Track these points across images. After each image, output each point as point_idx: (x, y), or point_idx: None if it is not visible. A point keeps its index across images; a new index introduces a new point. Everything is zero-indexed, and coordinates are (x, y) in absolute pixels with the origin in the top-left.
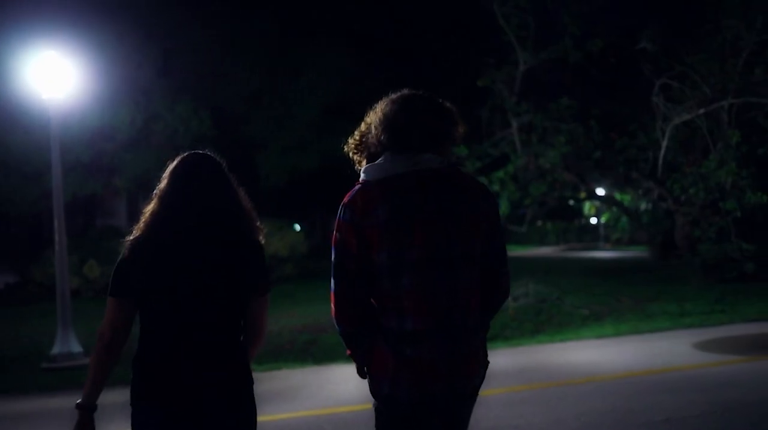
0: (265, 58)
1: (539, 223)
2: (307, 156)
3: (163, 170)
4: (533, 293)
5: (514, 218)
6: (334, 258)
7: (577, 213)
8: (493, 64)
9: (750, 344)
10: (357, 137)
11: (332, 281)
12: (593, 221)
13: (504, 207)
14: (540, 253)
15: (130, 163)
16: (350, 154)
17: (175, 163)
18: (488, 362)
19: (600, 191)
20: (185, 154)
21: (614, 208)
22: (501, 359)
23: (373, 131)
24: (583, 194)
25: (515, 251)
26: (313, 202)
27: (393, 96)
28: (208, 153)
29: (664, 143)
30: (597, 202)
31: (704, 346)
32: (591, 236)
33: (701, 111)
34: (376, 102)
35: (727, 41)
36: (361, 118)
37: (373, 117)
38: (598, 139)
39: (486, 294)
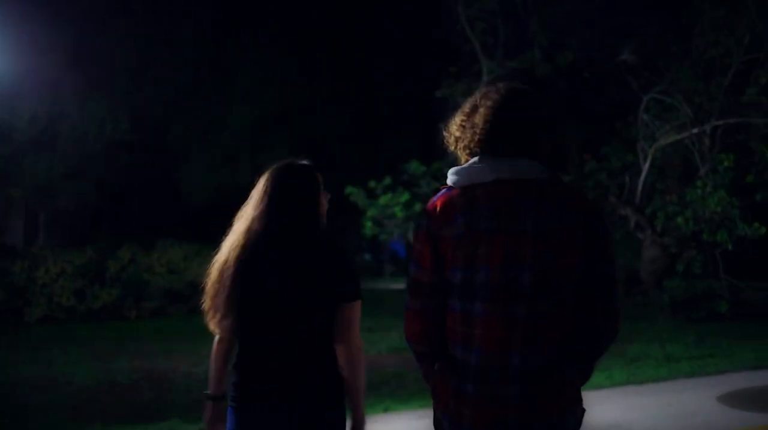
0: (196, 56)
1: None
2: (238, 170)
3: (257, 181)
4: None
5: None
6: (410, 271)
7: None
8: (455, 74)
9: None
10: (457, 125)
11: (406, 295)
12: None
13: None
14: None
15: (30, 169)
16: (451, 148)
17: (274, 175)
18: (582, 411)
19: None
20: (283, 165)
21: None
22: None
23: (468, 125)
24: None
25: None
26: None
27: (499, 85)
28: (306, 164)
29: (646, 166)
30: None
31: (730, 401)
32: None
33: (694, 131)
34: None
35: (714, 59)
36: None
37: (471, 105)
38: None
39: (580, 333)
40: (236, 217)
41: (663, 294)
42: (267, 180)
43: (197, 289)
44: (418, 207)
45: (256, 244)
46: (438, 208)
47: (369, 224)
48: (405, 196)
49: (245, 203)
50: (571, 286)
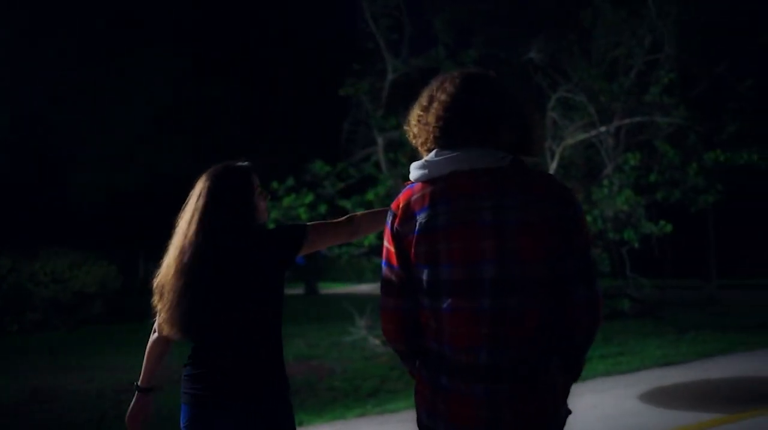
0: (84, 49)
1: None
2: (129, 172)
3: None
4: None
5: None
6: (382, 270)
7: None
8: (359, 71)
9: (701, 394)
10: (415, 121)
11: (381, 294)
12: None
13: (372, 238)
14: (360, 290)
15: None
16: (412, 143)
17: (209, 178)
18: (566, 412)
19: None
20: (219, 167)
21: None
22: None
23: (424, 121)
24: None
25: (335, 289)
26: (136, 228)
27: (455, 74)
28: (242, 165)
29: (554, 165)
30: None
31: (652, 399)
32: None
33: (602, 129)
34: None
35: (617, 59)
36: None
37: (428, 97)
38: None
39: (559, 329)
40: (178, 217)
41: None
42: (203, 182)
43: (85, 299)
44: (323, 208)
45: (196, 246)
46: (400, 206)
47: (272, 226)
48: (309, 198)
49: (184, 205)
50: (542, 279)
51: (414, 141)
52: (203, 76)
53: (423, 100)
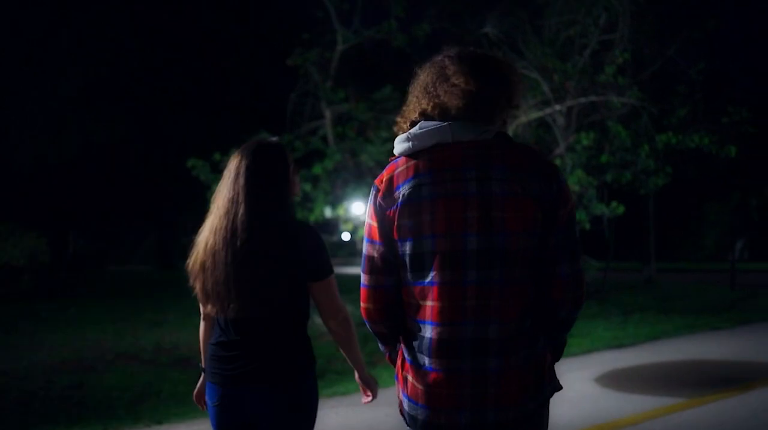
0: (15, 16)
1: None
2: (63, 141)
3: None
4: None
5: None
6: (363, 247)
7: (332, 228)
8: (308, 41)
9: (657, 378)
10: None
11: (361, 273)
12: (345, 236)
13: (318, 211)
14: None
15: None
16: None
17: (246, 155)
18: (552, 388)
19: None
20: (254, 144)
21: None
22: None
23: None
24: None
25: None
26: (66, 201)
27: (461, 53)
28: (275, 142)
29: None
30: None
31: (608, 382)
32: (345, 252)
33: (557, 108)
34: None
35: (573, 38)
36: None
37: (427, 80)
38: None
39: (544, 306)
40: (212, 198)
41: None
42: (240, 160)
43: (12, 273)
44: None
45: (234, 227)
46: (384, 180)
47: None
48: None
49: (219, 184)
50: (526, 252)
51: (401, 121)
52: (142, 44)
53: (424, 80)
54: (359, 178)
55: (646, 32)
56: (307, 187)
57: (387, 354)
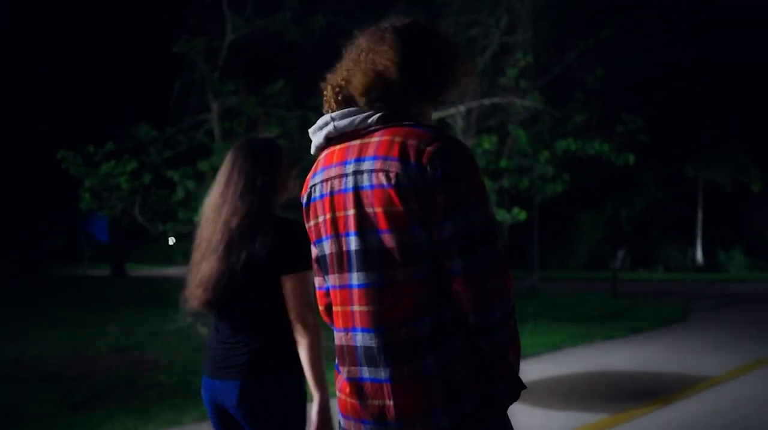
0: None
1: (172, 241)
2: None
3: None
4: None
5: None
6: None
7: None
8: (195, 28)
9: (569, 391)
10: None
11: None
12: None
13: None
14: (171, 273)
15: None
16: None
17: (245, 152)
18: (484, 400)
19: None
20: (250, 141)
21: None
22: None
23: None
24: None
25: (144, 271)
26: None
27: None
28: (271, 138)
29: None
30: None
31: (525, 398)
32: None
33: (461, 108)
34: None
35: (475, 39)
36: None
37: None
38: None
39: (457, 308)
40: (208, 194)
41: None
42: (230, 158)
43: None
44: (147, 178)
45: (222, 221)
46: (307, 179)
47: (87, 196)
48: (132, 165)
49: (214, 181)
50: (411, 252)
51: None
52: (17, 27)
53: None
54: None
55: (546, 38)
56: (190, 184)
57: None
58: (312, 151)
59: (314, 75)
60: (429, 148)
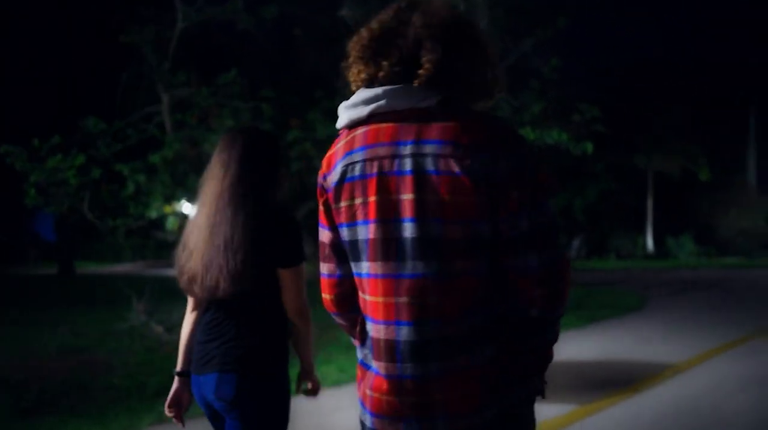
0: None
1: (123, 237)
2: None
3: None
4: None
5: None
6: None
7: (158, 227)
8: (145, 17)
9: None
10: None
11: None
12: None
13: (155, 206)
14: (120, 270)
15: None
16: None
17: (242, 139)
18: (527, 393)
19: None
20: (248, 129)
21: None
22: None
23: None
24: (168, 209)
25: (92, 269)
26: None
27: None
28: (267, 131)
29: None
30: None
31: None
32: (171, 253)
33: None
34: None
35: None
36: None
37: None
38: (268, 127)
39: (510, 301)
40: (203, 178)
41: None
42: (234, 143)
43: None
44: (96, 173)
45: (225, 208)
46: (326, 157)
47: (32, 191)
48: (80, 160)
49: (209, 165)
50: (473, 244)
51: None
52: None
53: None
54: (200, 169)
55: (501, 26)
56: (141, 178)
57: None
58: (343, 124)
59: (268, 65)
60: (501, 140)
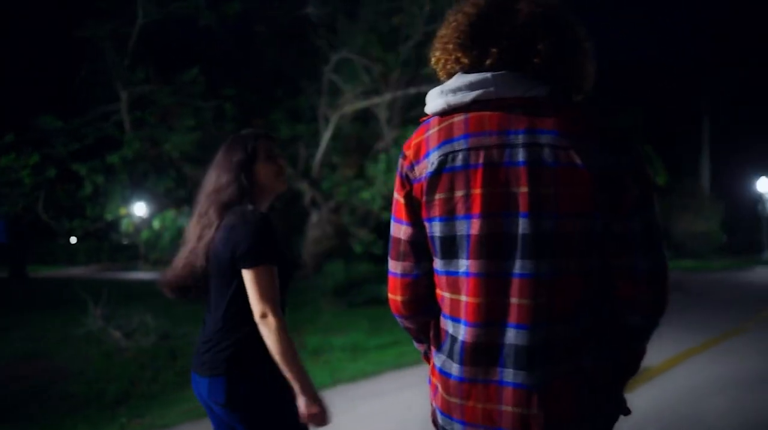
0: None
1: (74, 239)
2: None
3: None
4: (153, 326)
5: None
6: (391, 228)
7: (112, 229)
8: (103, 11)
9: None
10: (438, 42)
11: (388, 258)
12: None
13: (113, 207)
14: (73, 273)
15: None
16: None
17: (240, 144)
18: (616, 412)
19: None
20: (249, 133)
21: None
22: None
23: (447, 35)
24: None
25: (45, 273)
26: None
27: None
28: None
29: (327, 135)
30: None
31: None
32: (127, 256)
33: (388, 97)
34: None
35: (399, 28)
36: None
37: (453, 11)
38: (230, 128)
39: (612, 305)
40: (203, 182)
41: (327, 279)
42: (235, 149)
43: None
44: (52, 172)
45: (207, 219)
46: (412, 145)
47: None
48: (34, 158)
49: (210, 168)
50: (585, 242)
51: (437, 68)
52: None
53: (450, 14)
54: (161, 170)
55: None
56: (99, 179)
57: (423, 353)
58: (437, 110)
59: (229, 63)
60: (618, 136)
